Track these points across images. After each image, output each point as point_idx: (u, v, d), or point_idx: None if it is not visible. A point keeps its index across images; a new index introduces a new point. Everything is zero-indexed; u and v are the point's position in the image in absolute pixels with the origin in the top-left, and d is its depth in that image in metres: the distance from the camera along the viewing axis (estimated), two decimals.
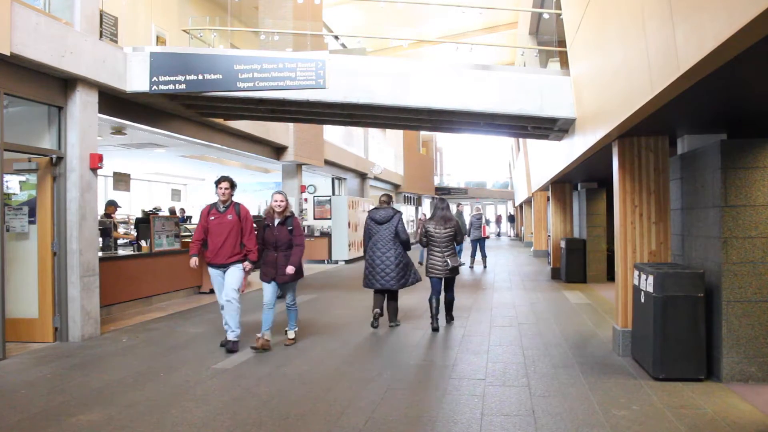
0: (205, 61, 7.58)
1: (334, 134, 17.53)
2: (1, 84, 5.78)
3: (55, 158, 6.58)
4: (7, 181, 6.41)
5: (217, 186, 6.17)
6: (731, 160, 4.70)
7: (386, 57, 13.73)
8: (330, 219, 17.92)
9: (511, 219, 42.20)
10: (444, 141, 43.71)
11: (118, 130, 9.20)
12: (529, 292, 10.60)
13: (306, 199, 17.75)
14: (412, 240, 7.96)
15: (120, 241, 10.60)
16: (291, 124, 12.97)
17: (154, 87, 7.51)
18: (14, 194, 6.67)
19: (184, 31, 9.80)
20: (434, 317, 7.16)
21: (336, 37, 16.56)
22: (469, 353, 5.92)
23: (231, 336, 6.04)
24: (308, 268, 15.49)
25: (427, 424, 3.90)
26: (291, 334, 6.38)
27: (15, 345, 6.24)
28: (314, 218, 18.87)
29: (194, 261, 6.10)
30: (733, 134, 5.19)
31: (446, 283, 7.31)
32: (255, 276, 8.55)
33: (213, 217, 6.09)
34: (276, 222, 6.02)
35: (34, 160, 6.53)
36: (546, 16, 10.11)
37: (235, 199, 6.31)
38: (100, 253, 8.76)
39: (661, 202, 5.66)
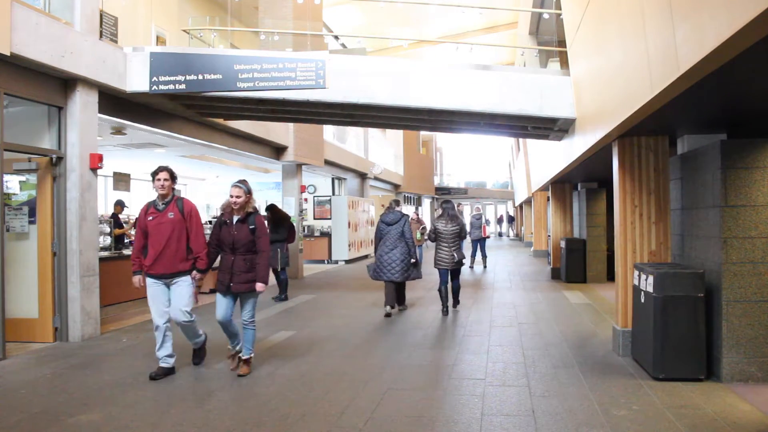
0: (205, 61, 7.58)
1: (326, 132, 17.51)
2: (1, 84, 5.78)
3: (55, 158, 6.58)
4: (7, 181, 6.41)
5: (154, 178, 5.06)
6: (731, 160, 4.70)
7: (386, 57, 13.73)
8: (330, 219, 17.92)
9: (510, 219, 42.21)
10: (444, 141, 43.66)
11: (118, 130, 9.19)
12: (529, 292, 10.60)
13: (306, 199, 17.75)
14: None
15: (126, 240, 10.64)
16: (291, 124, 12.96)
17: (154, 87, 7.51)
18: (14, 194, 6.67)
19: (184, 31, 9.79)
20: (444, 303, 8.34)
21: (336, 37, 16.55)
22: (469, 353, 5.92)
23: (194, 345, 5.37)
24: (308, 268, 15.49)
25: (427, 424, 3.90)
26: (244, 369, 5.08)
27: (15, 345, 6.24)
28: (314, 218, 18.87)
29: (138, 280, 5.06)
30: (733, 134, 5.19)
31: (452, 273, 8.41)
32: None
33: (151, 217, 5.03)
34: (235, 219, 5.03)
35: (34, 160, 6.53)
36: (546, 16, 10.11)
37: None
38: (106, 253, 8.78)
39: (661, 202, 5.66)
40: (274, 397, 4.47)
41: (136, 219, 5.41)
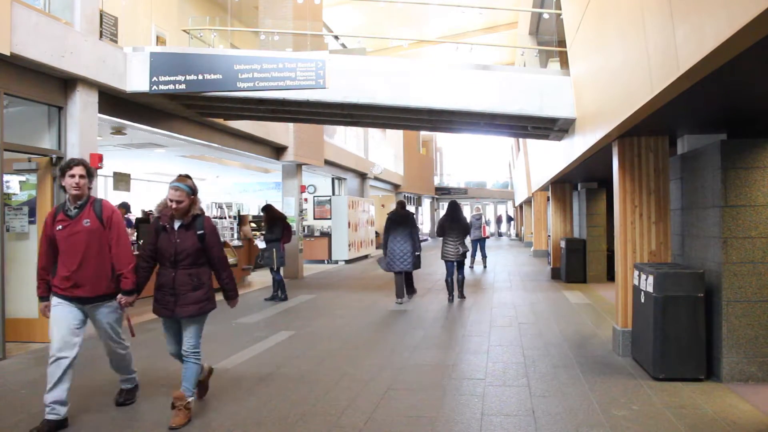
0: (205, 61, 7.58)
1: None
2: (1, 84, 5.78)
3: (55, 158, 6.58)
4: (7, 181, 6.41)
5: (65, 173, 3.87)
6: (731, 160, 4.70)
7: (386, 57, 13.72)
8: (330, 219, 17.93)
9: (509, 219, 42.21)
10: (444, 141, 43.68)
11: (118, 130, 9.20)
12: (529, 292, 10.60)
13: (306, 199, 17.76)
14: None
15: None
16: (291, 124, 12.96)
17: (154, 87, 7.51)
18: (14, 194, 6.67)
19: (184, 31, 9.79)
20: (450, 292, 9.47)
21: (336, 37, 16.55)
22: (469, 353, 5.92)
23: (123, 384, 4.34)
24: (308, 268, 15.50)
25: (427, 424, 3.90)
26: (178, 418, 3.83)
27: (15, 345, 6.24)
28: (314, 218, 18.87)
29: (44, 307, 3.94)
30: (733, 134, 5.19)
31: (458, 265, 9.44)
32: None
33: (60, 226, 3.86)
34: (177, 225, 4.02)
35: (34, 160, 6.53)
36: (546, 16, 10.11)
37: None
38: None
39: (661, 202, 5.66)
40: (274, 397, 4.47)
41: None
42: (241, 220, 14.37)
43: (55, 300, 3.90)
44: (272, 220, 9.66)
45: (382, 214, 25.19)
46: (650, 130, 5.41)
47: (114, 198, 15.86)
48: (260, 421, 3.97)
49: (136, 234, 10.41)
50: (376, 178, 22.67)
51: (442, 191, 39.03)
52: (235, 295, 4.29)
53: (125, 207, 11.33)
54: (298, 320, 7.93)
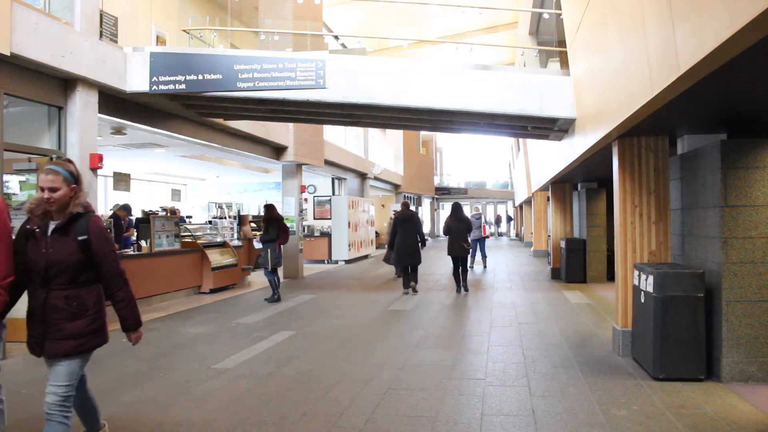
0: (205, 61, 7.58)
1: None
2: (1, 84, 5.78)
3: (55, 158, 6.58)
4: (7, 182, 6.41)
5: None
6: (731, 160, 4.70)
7: (386, 57, 13.70)
8: (330, 219, 17.93)
9: (509, 219, 42.22)
10: (444, 141, 43.66)
11: (118, 130, 9.20)
12: (529, 292, 10.60)
13: (306, 199, 17.75)
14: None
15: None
16: (291, 124, 12.96)
17: (154, 87, 7.51)
18: (14, 194, 6.67)
19: (184, 31, 9.79)
20: (458, 284, 10.64)
21: (336, 37, 16.55)
22: (469, 353, 5.92)
23: None
24: (308, 268, 15.50)
25: (427, 424, 3.90)
26: None
27: (15, 345, 6.24)
28: (314, 218, 18.87)
29: None
30: (733, 134, 5.19)
31: (462, 260, 10.58)
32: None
33: None
34: (50, 227, 2.92)
35: (34, 160, 6.53)
36: (546, 16, 10.11)
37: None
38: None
39: (661, 202, 5.66)
40: (274, 397, 4.47)
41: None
42: (241, 220, 14.37)
43: None
44: (269, 221, 9.67)
45: (382, 214, 25.20)
46: (650, 130, 5.41)
47: (114, 198, 15.89)
48: (260, 421, 3.97)
49: (136, 234, 10.40)
50: (376, 178, 22.67)
51: (442, 191, 39.01)
52: (136, 325, 3.11)
53: (127, 209, 11.32)
54: (298, 320, 7.93)
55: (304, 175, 15.47)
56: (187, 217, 15.81)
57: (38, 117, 6.66)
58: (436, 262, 14.79)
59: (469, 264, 15.79)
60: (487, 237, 16.72)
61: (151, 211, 13.45)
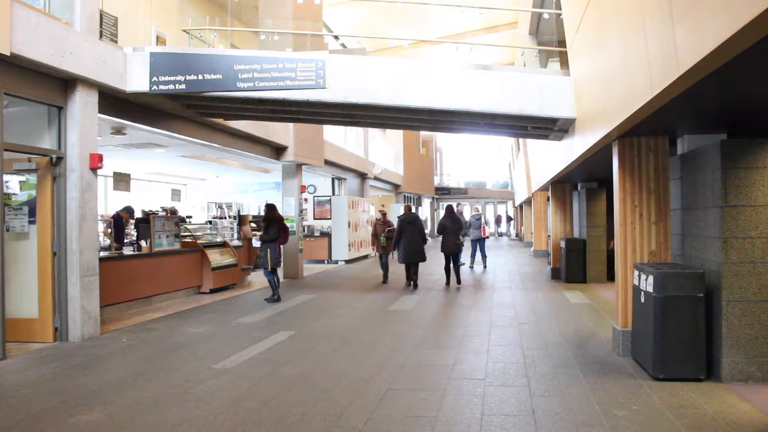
0: (205, 61, 7.58)
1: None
2: (1, 84, 5.78)
3: (55, 158, 6.58)
4: (7, 181, 6.41)
5: None
6: (731, 160, 4.70)
7: (386, 57, 13.74)
8: (330, 219, 17.92)
9: (508, 219, 42.21)
10: (444, 141, 43.64)
11: (118, 130, 9.20)
12: (529, 292, 10.60)
13: (306, 199, 17.75)
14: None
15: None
16: (291, 124, 12.96)
17: (154, 87, 7.51)
18: (14, 194, 6.67)
19: (184, 31, 9.79)
20: (448, 278, 11.69)
21: (336, 37, 16.54)
22: (469, 353, 5.92)
23: None
24: (308, 268, 15.50)
25: (427, 424, 3.90)
26: None
27: (15, 345, 6.24)
28: (314, 218, 18.87)
29: None
30: (733, 134, 5.19)
31: (454, 256, 11.61)
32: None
33: None
34: None
35: (34, 160, 6.54)
36: (546, 16, 10.11)
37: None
38: (106, 253, 8.79)
39: (661, 202, 5.66)
40: (274, 397, 4.47)
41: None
42: (241, 220, 14.37)
43: None
44: (269, 221, 9.67)
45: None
46: (650, 130, 5.41)
47: (114, 198, 15.89)
48: (260, 421, 3.97)
49: (136, 235, 10.41)
50: (376, 178, 22.67)
51: (442, 191, 39.01)
52: None
53: (129, 211, 11.31)
54: (298, 320, 7.93)
55: (304, 175, 15.48)
56: (187, 217, 15.82)
57: (38, 117, 6.66)
58: (436, 261, 14.79)
59: (468, 264, 15.98)
60: (487, 237, 16.72)
61: (151, 211, 13.44)
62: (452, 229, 11.46)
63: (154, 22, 10.20)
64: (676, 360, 4.75)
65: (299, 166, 14.17)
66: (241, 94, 7.65)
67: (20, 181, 6.70)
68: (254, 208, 19.88)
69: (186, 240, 10.71)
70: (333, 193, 19.67)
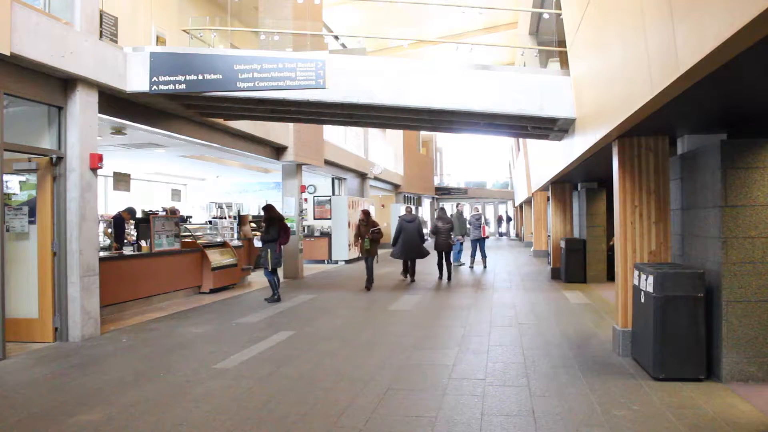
0: (205, 61, 7.58)
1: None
2: (1, 84, 5.78)
3: (55, 158, 6.58)
4: (7, 181, 6.41)
5: None
6: (731, 160, 4.70)
7: (386, 57, 13.71)
8: (330, 219, 17.92)
9: (508, 219, 42.22)
10: (444, 141, 43.63)
11: (118, 130, 9.20)
12: (529, 292, 10.60)
13: (306, 199, 17.75)
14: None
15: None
16: (291, 124, 12.96)
17: (154, 87, 7.51)
18: (14, 194, 6.67)
19: (184, 31, 9.79)
20: (441, 273, 12.92)
21: (336, 37, 16.54)
22: (469, 353, 5.92)
23: None
24: (308, 268, 15.50)
25: (427, 424, 3.90)
26: None
27: (15, 345, 6.24)
28: (314, 218, 18.87)
29: None
30: (733, 134, 5.19)
31: (446, 254, 12.81)
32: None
33: None
34: None
35: (34, 160, 6.54)
36: (546, 16, 10.12)
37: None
38: (106, 253, 8.79)
39: (661, 202, 5.66)
40: (274, 397, 4.47)
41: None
42: (241, 220, 14.37)
43: None
44: (269, 221, 9.67)
45: (382, 214, 25.18)
46: (650, 130, 5.41)
47: (115, 199, 15.89)
48: (260, 420, 3.97)
49: (136, 235, 10.41)
50: (376, 178, 22.67)
51: (442, 191, 39.00)
52: None
53: (131, 212, 11.30)
54: (298, 320, 7.93)
55: (304, 175, 15.47)
56: (188, 217, 15.81)
57: (38, 117, 6.66)
58: (436, 261, 14.81)
59: (468, 264, 16.01)
60: (487, 237, 16.73)
61: (151, 211, 13.44)
62: (444, 229, 12.73)
63: (154, 22, 10.20)
64: (676, 360, 4.75)
65: (299, 166, 14.17)
66: (241, 94, 7.65)
67: (20, 181, 6.70)
68: (254, 208, 19.87)
69: (186, 240, 10.71)
70: (333, 193, 19.67)
